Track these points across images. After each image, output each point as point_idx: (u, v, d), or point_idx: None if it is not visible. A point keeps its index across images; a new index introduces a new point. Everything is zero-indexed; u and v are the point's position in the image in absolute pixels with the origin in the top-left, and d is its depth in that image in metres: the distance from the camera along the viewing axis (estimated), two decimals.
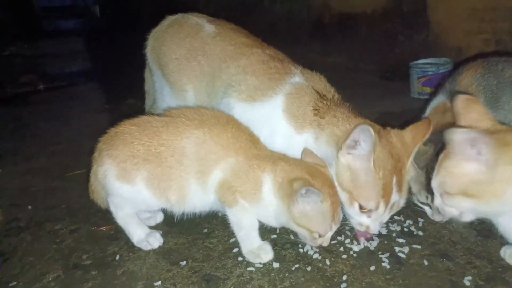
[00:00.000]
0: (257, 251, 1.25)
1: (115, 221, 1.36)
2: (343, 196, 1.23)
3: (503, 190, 0.94)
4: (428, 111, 1.58)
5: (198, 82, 1.59)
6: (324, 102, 1.35)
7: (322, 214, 1.17)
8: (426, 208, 1.37)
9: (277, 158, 1.25)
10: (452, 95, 1.51)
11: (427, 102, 1.69)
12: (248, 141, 1.28)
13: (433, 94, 1.71)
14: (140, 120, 1.33)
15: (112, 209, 1.35)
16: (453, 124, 1.17)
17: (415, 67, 2.67)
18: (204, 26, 1.62)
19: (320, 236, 1.20)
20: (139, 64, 1.91)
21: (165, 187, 1.27)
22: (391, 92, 2.77)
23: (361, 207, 1.20)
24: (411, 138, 1.24)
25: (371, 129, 1.13)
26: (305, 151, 1.29)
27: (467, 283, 1.10)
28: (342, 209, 1.25)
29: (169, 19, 1.73)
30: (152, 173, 1.26)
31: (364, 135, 1.15)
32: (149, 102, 1.94)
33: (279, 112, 1.38)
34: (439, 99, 1.58)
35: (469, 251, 1.21)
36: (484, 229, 1.29)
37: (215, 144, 1.25)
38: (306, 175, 1.18)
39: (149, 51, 1.76)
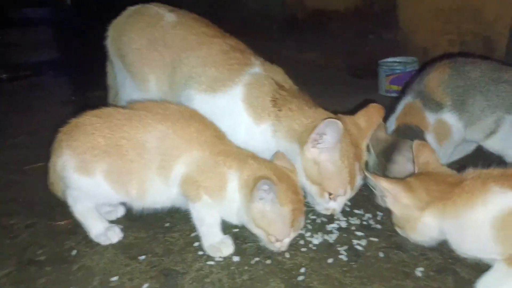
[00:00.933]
0: (218, 245, 1.25)
1: (74, 215, 1.33)
2: (313, 189, 1.29)
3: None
4: (397, 112, 1.61)
5: (160, 72, 1.57)
6: (282, 93, 1.37)
7: (281, 218, 1.17)
8: (375, 192, 1.42)
9: (245, 156, 1.25)
10: (420, 95, 1.57)
11: (395, 100, 1.73)
12: (214, 136, 1.27)
13: (401, 94, 1.74)
14: (102, 112, 1.30)
15: (70, 202, 1.32)
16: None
17: (384, 65, 2.73)
18: (165, 15, 1.59)
19: (277, 240, 1.19)
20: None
21: (125, 181, 1.25)
22: (361, 89, 2.81)
23: (330, 194, 1.27)
24: (365, 123, 1.31)
25: (339, 123, 1.18)
26: (277, 154, 1.30)
27: (419, 274, 1.14)
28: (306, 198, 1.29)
29: (130, 9, 1.69)
30: (112, 166, 1.24)
31: (332, 129, 1.20)
32: (112, 96, 1.90)
33: (238, 103, 1.39)
34: (407, 100, 1.61)
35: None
36: None
37: (178, 138, 1.23)
38: (273, 176, 1.18)
39: (109, 43, 1.72)
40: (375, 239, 1.29)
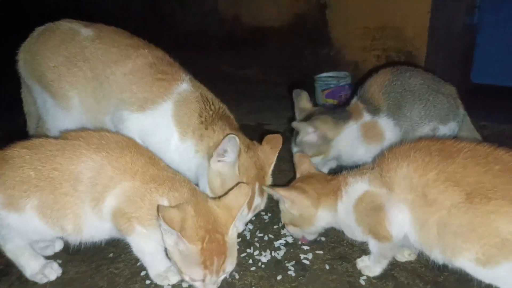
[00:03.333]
0: (164, 273, 1.22)
1: (4, 254, 1.23)
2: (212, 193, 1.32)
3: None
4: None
5: (82, 88, 1.51)
6: (210, 111, 1.41)
7: (188, 257, 1.06)
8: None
9: (178, 183, 1.19)
10: (361, 98, 1.67)
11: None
12: (147, 164, 1.20)
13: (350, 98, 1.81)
14: (32, 143, 1.20)
15: (1, 242, 1.22)
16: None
17: (319, 80, 2.85)
18: (80, 30, 1.53)
19: (192, 280, 1.09)
20: None
21: (59, 216, 1.16)
22: None
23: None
24: (270, 149, 1.39)
25: (237, 139, 1.24)
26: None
27: (363, 283, 1.20)
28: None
29: (38, 29, 1.61)
30: (44, 201, 1.14)
31: (231, 144, 1.25)
32: (32, 124, 1.78)
33: (168, 119, 1.40)
34: (353, 101, 1.70)
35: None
36: None
37: (112, 169, 1.16)
38: (189, 209, 1.09)
39: (21, 66, 1.61)
40: (321, 252, 1.34)
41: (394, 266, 1.25)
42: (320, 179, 1.30)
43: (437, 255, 1.04)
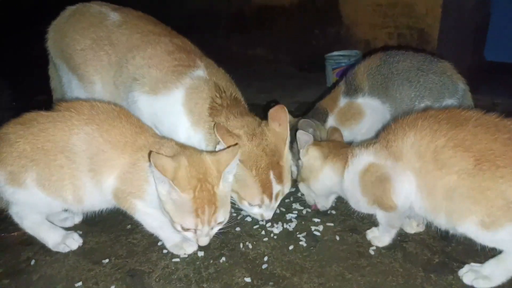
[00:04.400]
0: (180, 244, 1.26)
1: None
2: (234, 196, 1.30)
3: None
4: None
5: (106, 73, 1.54)
6: (220, 100, 1.37)
7: (181, 205, 1.10)
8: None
9: (166, 143, 1.21)
10: (345, 82, 1.72)
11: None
12: (137, 133, 1.22)
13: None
14: (24, 118, 1.23)
15: (17, 220, 1.27)
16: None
17: (330, 59, 2.84)
18: (109, 14, 1.56)
19: (185, 229, 1.14)
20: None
21: (58, 187, 1.19)
22: (309, 83, 2.92)
23: (249, 204, 1.29)
24: (279, 126, 1.31)
25: (219, 133, 1.21)
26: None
27: (372, 253, 1.24)
28: None
29: (70, 9, 1.64)
30: (41, 174, 1.18)
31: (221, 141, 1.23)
32: (57, 100, 1.83)
33: (178, 107, 1.39)
34: (338, 87, 1.75)
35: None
36: None
37: (104, 142, 1.18)
38: (182, 158, 1.13)
39: (50, 45, 1.66)
40: (331, 224, 1.38)
41: (403, 237, 1.28)
42: (337, 144, 1.36)
43: (442, 221, 1.08)
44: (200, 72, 1.43)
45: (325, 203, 1.40)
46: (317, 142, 1.39)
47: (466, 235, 1.06)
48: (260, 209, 1.29)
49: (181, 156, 1.13)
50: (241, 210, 1.39)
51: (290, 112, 1.42)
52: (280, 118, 1.31)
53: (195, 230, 1.14)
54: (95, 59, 1.53)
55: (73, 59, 1.56)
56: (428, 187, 1.07)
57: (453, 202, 1.02)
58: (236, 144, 1.22)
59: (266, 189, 1.26)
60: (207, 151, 1.22)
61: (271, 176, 1.26)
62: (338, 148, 1.32)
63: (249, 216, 1.43)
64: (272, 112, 1.32)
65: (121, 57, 1.49)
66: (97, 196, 1.22)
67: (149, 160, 1.07)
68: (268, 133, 1.29)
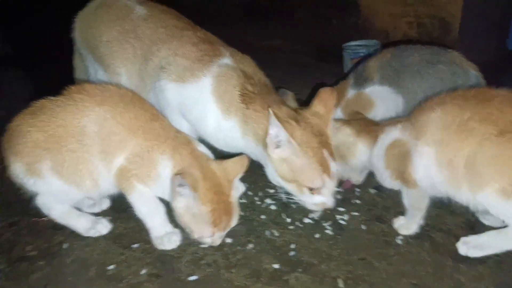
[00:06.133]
0: (162, 238, 1.24)
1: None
2: (291, 188, 1.30)
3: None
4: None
5: (131, 65, 1.55)
6: (250, 88, 1.36)
7: (199, 217, 1.15)
8: None
9: (181, 143, 1.22)
10: (354, 74, 1.75)
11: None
12: (151, 120, 1.23)
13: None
14: (34, 106, 1.22)
15: (45, 211, 1.28)
16: None
17: (348, 48, 2.81)
18: (135, 8, 1.58)
19: (202, 238, 1.19)
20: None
21: (73, 173, 1.19)
22: (327, 73, 2.90)
23: (310, 189, 1.27)
24: (323, 109, 1.32)
25: (276, 120, 1.20)
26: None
27: (399, 242, 1.24)
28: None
29: (97, 1, 1.65)
30: (55, 161, 1.18)
31: (276, 126, 1.22)
32: None
33: (207, 95, 1.39)
34: (346, 80, 1.78)
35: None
36: None
37: (117, 125, 1.18)
38: (196, 172, 1.15)
39: (77, 35, 1.68)
40: (356, 213, 1.39)
41: (430, 227, 1.29)
42: (368, 122, 1.45)
43: (463, 195, 1.11)
44: (227, 60, 1.44)
45: (358, 177, 1.47)
46: (346, 120, 1.46)
47: (485, 206, 1.08)
48: (321, 196, 1.27)
49: (195, 169, 1.16)
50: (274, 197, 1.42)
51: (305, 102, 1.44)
52: (326, 101, 1.33)
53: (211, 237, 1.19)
54: (121, 51, 1.55)
55: (99, 50, 1.58)
56: (449, 157, 1.10)
57: (475, 170, 1.05)
58: (243, 155, 1.27)
59: (325, 167, 1.25)
60: (212, 160, 1.24)
61: (326, 154, 1.26)
62: (369, 125, 1.40)
63: (273, 204, 1.44)
64: (321, 92, 1.35)
65: (146, 50, 1.51)
66: (110, 179, 1.22)
67: (178, 177, 1.10)
68: (309, 116, 1.30)
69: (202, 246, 1.26)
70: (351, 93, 1.73)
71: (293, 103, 1.49)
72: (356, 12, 3.11)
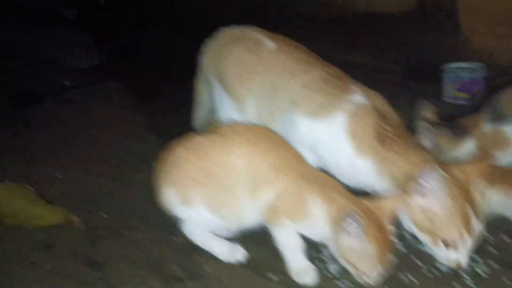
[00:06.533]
0: (302, 271, 1.30)
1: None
2: (425, 239, 1.29)
3: None
4: None
5: (259, 97, 1.62)
6: (386, 127, 1.37)
7: (368, 254, 1.16)
8: None
9: (328, 184, 1.29)
10: (488, 106, 1.69)
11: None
12: (298, 161, 1.32)
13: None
14: (189, 140, 1.38)
15: (190, 237, 1.42)
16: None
17: (449, 71, 2.69)
18: (264, 42, 1.64)
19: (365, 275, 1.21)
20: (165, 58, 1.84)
21: (220, 206, 1.32)
22: (421, 95, 2.78)
23: (445, 243, 1.25)
24: (471, 171, 1.31)
25: (437, 169, 1.20)
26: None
27: None
28: None
29: (226, 32, 1.75)
30: (204, 194, 1.31)
31: (432, 180, 1.21)
32: (201, 114, 1.97)
33: (340, 131, 1.41)
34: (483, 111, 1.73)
35: None
36: None
37: (266, 165, 1.29)
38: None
39: (205, 62, 1.79)
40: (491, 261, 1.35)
41: None
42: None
43: None
44: (359, 97, 1.45)
45: None
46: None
47: None
48: (456, 254, 1.26)
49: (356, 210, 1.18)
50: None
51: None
52: (479, 167, 1.34)
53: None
54: (249, 83, 1.62)
55: (227, 79, 1.67)
56: None
57: None
58: (395, 195, 1.28)
59: (466, 223, 1.23)
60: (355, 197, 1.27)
61: (469, 210, 1.24)
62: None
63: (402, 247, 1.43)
64: (477, 162, 1.37)
65: (276, 84, 1.57)
66: (253, 215, 1.33)
67: (350, 216, 1.13)
68: (455, 171, 1.30)
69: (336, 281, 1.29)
70: (486, 128, 1.67)
71: (432, 116, 1.55)
72: (455, 32, 3.00)
